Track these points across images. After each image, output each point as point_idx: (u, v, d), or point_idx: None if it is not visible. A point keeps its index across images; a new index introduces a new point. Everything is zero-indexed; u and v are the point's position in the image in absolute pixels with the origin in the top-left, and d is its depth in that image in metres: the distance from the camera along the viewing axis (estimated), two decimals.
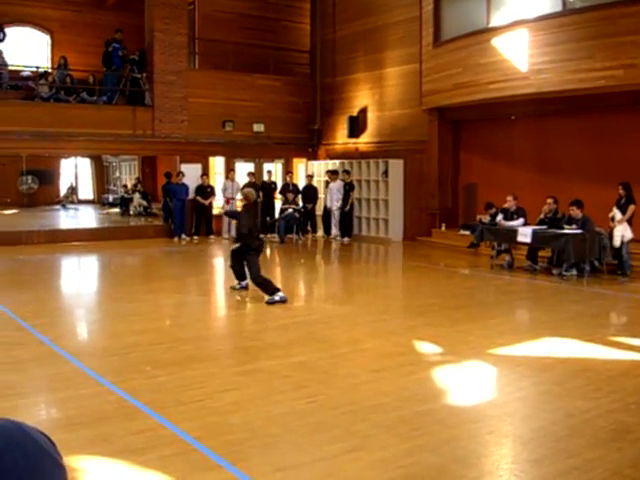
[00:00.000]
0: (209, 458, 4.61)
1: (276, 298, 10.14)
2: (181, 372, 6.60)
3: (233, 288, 11.27)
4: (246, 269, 10.67)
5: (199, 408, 5.59)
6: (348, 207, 19.32)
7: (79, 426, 5.18)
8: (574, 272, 12.64)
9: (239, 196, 19.26)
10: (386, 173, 19.08)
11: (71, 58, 21.06)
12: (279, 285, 10.50)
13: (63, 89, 19.19)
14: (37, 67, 20.15)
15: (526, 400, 5.99)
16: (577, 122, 15.49)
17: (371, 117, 20.30)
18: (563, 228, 12.57)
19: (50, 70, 20.86)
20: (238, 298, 10.91)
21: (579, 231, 12.27)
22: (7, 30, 19.89)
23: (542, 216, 13.46)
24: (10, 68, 19.71)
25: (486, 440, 5.04)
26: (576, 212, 12.56)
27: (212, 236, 19.51)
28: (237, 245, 10.85)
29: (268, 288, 10.27)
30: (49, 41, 24.23)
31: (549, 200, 13.48)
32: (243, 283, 11.08)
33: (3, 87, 18.75)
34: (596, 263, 12.79)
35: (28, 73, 20.26)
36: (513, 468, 4.55)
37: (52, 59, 23.24)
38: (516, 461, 4.71)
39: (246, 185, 19.72)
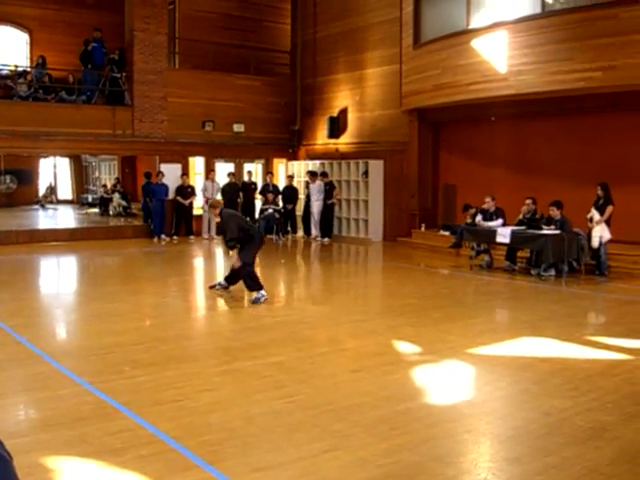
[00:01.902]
0: (187, 458, 4.59)
1: (261, 299, 10.19)
2: (160, 372, 6.57)
3: (212, 287, 11.26)
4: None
5: (177, 408, 5.57)
6: (331, 201, 19.32)
7: (57, 426, 5.14)
8: (552, 272, 12.72)
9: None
10: (366, 174, 19.13)
11: (50, 57, 20.94)
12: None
13: (42, 88, 19.06)
14: (16, 66, 19.99)
15: (504, 399, 6.02)
16: (556, 123, 15.60)
17: (351, 118, 20.33)
18: (542, 229, 12.65)
19: (29, 69, 20.72)
20: (219, 298, 10.88)
21: (557, 232, 12.36)
22: None
23: (521, 217, 13.54)
24: None
25: (464, 439, 5.06)
26: (555, 213, 12.64)
27: (192, 236, 19.47)
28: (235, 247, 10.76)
29: (254, 283, 10.32)
30: (28, 40, 24.07)
31: (528, 201, 13.57)
32: (224, 283, 11.07)
33: None
34: (574, 264, 12.88)
35: (6, 72, 20.10)
36: (491, 466, 4.56)
37: (31, 58, 23.11)
38: (494, 459, 4.72)
39: (226, 185, 19.77)
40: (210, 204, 11.63)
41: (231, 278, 10.99)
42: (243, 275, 10.43)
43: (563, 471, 4.45)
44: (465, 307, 10.53)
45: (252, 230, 10.67)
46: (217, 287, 11.18)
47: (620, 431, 5.17)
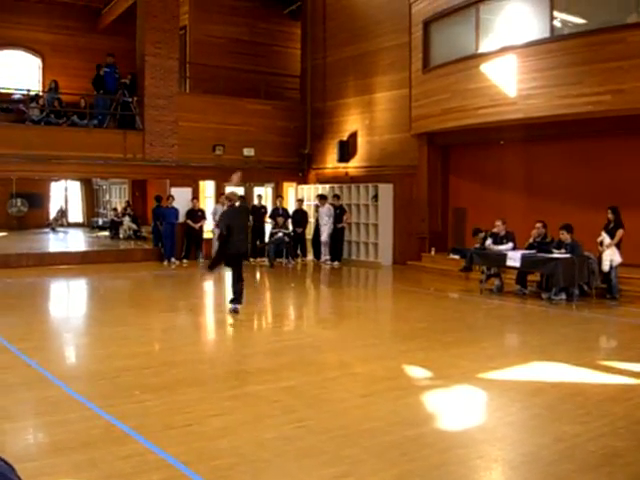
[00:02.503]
0: None
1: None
2: (170, 396, 6.56)
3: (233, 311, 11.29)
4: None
5: (187, 433, 5.55)
6: (341, 225, 19.35)
7: (66, 450, 5.13)
8: (563, 296, 12.67)
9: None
10: (376, 197, 19.15)
11: (62, 81, 21.11)
12: (268, 308, 10.49)
13: (54, 112, 19.21)
14: (28, 90, 20.16)
15: (516, 425, 5.98)
16: (566, 147, 15.60)
17: (361, 142, 20.39)
18: (552, 252, 12.62)
19: (41, 93, 20.89)
20: (228, 322, 10.88)
21: (568, 255, 12.32)
22: None
23: (531, 240, 13.50)
24: (1, 91, 19.72)
25: (476, 465, 5.02)
26: (565, 236, 12.62)
27: (202, 260, 19.48)
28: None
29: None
30: (40, 64, 24.30)
31: (538, 224, 13.54)
32: (232, 306, 11.13)
33: None
34: (585, 287, 12.83)
35: (19, 96, 20.28)
36: None
37: (43, 82, 23.32)
38: None
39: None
40: (226, 196, 11.83)
41: (235, 298, 11.10)
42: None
43: None
44: (476, 331, 10.48)
45: (231, 234, 10.85)
46: (232, 309, 11.22)
47: (633, 457, 5.12)
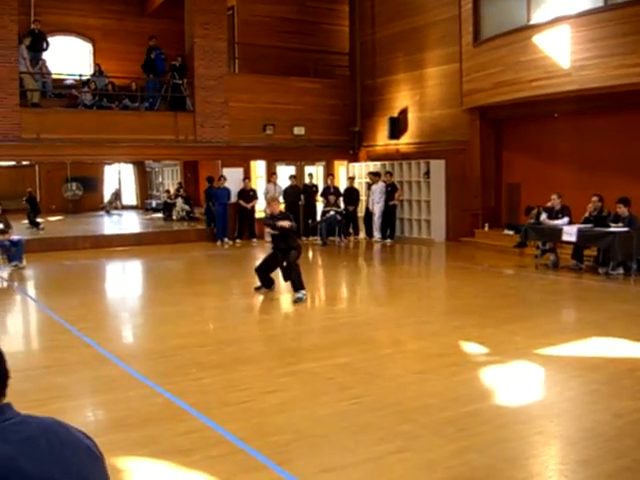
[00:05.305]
0: (255, 459, 4.62)
1: (302, 297, 10.52)
2: (226, 374, 6.63)
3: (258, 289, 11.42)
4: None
5: (244, 409, 5.61)
6: (393, 203, 19.21)
7: (127, 427, 5.23)
8: (621, 271, 12.44)
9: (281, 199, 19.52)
10: (428, 174, 18.99)
11: (113, 66, 21.35)
12: (321, 286, 10.52)
13: (105, 96, 19.44)
14: (80, 75, 20.42)
15: (574, 400, 5.90)
16: (621, 118, 15.23)
17: (412, 118, 20.21)
18: (609, 226, 12.38)
19: (92, 78, 21.16)
20: (282, 300, 10.94)
21: (626, 229, 12.08)
22: (51, 39, 20.18)
23: (587, 214, 13.27)
24: (54, 76, 20.02)
25: (535, 441, 4.97)
26: (623, 210, 12.36)
27: (254, 239, 19.56)
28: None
29: (299, 280, 10.65)
30: (91, 49, 24.57)
31: (594, 198, 13.29)
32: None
33: (47, 95, 19.03)
34: None
35: (71, 81, 20.56)
36: (562, 469, 4.48)
37: (94, 67, 23.57)
38: (565, 462, 4.63)
39: (288, 188, 19.88)
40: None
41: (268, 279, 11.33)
42: (293, 271, 10.78)
43: (637, 473, 4.35)
44: (531, 307, 10.37)
45: None
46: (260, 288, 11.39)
47: None
